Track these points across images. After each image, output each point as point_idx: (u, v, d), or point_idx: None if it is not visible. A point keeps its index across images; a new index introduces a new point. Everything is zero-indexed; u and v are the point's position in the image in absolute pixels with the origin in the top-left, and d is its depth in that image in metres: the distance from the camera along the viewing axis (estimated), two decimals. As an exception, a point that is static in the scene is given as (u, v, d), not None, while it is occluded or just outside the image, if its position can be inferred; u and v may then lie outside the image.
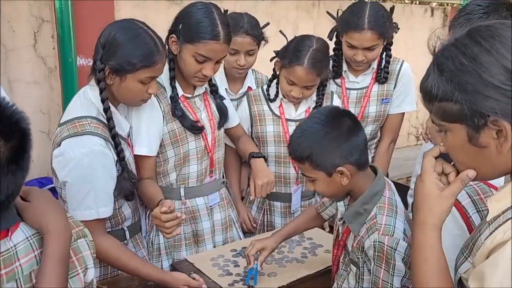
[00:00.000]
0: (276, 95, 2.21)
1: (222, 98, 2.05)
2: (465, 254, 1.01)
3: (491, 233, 0.91)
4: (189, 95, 1.94)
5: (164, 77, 1.87)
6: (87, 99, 1.64)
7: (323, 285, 1.73)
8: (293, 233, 1.81)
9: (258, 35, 2.22)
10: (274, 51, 2.15)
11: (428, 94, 0.95)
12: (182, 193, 1.97)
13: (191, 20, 1.75)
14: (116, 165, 1.62)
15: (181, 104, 1.89)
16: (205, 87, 2.00)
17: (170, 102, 1.87)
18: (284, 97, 2.18)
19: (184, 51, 1.79)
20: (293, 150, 1.49)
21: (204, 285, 1.65)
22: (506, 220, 0.89)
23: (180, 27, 1.77)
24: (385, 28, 2.14)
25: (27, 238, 0.97)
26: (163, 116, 1.86)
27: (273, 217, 2.27)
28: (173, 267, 1.87)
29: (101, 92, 1.60)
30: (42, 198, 1.02)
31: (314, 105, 2.21)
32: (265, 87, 2.27)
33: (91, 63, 3.18)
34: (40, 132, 3.22)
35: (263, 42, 2.27)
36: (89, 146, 1.53)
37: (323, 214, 1.78)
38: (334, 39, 2.33)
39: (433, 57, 0.98)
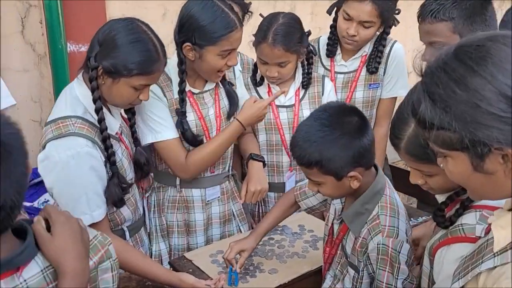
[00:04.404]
0: (262, 78, 2.16)
1: (230, 84, 1.98)
2: (460, 275, 0.96)
3: (495, 267, 0.86)
4: (197, 91, 1.88)
5: (172, 70, 1.82)
6: (73, 96, 1.55)
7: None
8: (272, 227, 1.76)
9: (242, 4, 2.16)
10: (253, 34, 2.08)
11: (423, 123, 0.88)
12: (178, 181, 1.92)
13: (203, 23, 1.69)
14: (106, 166, 1.54)
15: (186, 119, 1.83)
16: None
17: (173, 97, 1.82)
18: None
19: (206, 54, 1.74)
20: (299, 156, 1.40)
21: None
22: None
23: (193, 34, 1.71)
24: (387, 5, 2.03)
25: (41, 270, 0.91)
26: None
27: (268, 208, 2.22)
28: (171, 265, 1.83)
29: (93, 92, 1.51)
30: (65, 233, 0.94)
31: (301, 85, 2.15)
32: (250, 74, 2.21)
33: (82, 49, 3.09)
34: (32, 121, 3.12)
35: (247, 16, 2.20)
36: (75, 148, 1.46)
37: (301, 204, 1.71)
38: (333, 15, 2.21)
39: (421, 80, 0.90)
